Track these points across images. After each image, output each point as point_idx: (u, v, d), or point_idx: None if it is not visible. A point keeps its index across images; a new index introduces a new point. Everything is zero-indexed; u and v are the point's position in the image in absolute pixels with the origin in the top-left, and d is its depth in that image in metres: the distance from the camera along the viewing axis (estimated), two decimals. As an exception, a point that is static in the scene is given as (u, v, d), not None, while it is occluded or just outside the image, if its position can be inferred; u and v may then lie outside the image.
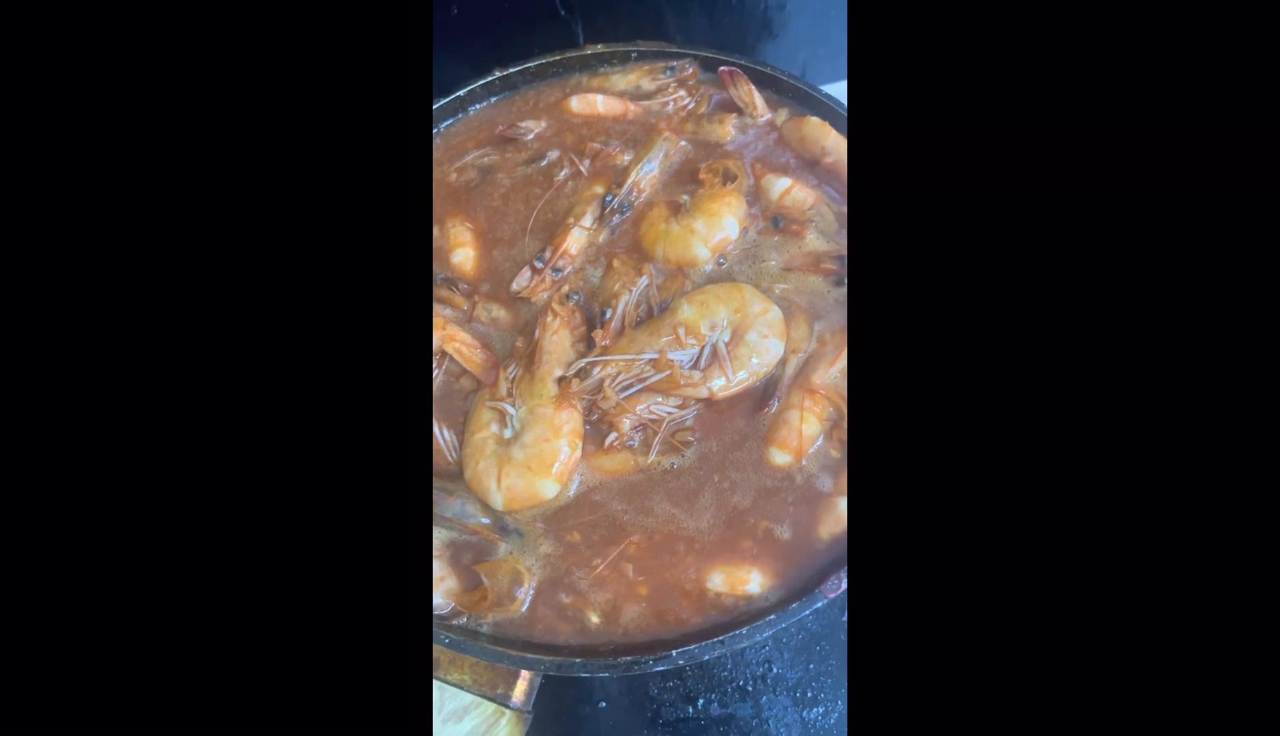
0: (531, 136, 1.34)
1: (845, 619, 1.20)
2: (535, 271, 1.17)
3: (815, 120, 1.25)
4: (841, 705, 1.18)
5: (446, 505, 1.01)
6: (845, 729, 1.16)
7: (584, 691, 1.20)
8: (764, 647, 1.22)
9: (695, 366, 1.06)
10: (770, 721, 1.18)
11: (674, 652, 0.89)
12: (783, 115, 1.30)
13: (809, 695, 1.19)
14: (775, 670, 1.21)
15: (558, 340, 1.09)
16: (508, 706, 0.96)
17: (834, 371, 1.07)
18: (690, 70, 1.36)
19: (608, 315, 1.09)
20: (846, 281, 1.13)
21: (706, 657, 0.90)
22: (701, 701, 1.19)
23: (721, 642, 0.89)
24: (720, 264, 1.18)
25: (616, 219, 1.23)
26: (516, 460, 1.02)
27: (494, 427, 1.05)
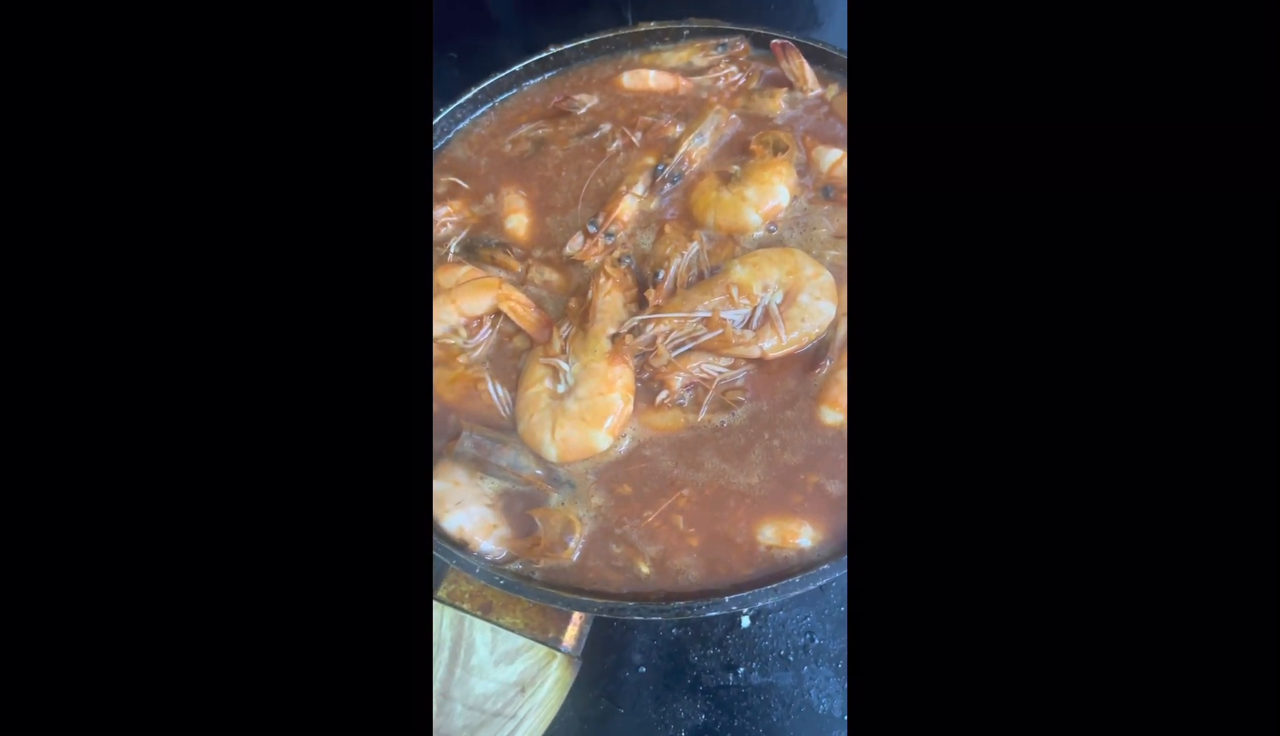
0: (584, 110, 1.36)
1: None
2: (588, 236, 1.19)
3: (866, 94, 1.26)
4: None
5: (500, 454, 1.03)
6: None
7: (624, 656, 1.20)
8: (806, 618, 1.21)
9: (747, 326, 1.07)
10: (812, 691, 1.17)
11: (727, 598, 0.90)
12: (833, 90, 1.32)
13: (852, 666, 1.18)
14: (817, 641, 1.20)
15: (610, 300, 1.11)
16: (558, 650, 0.96)
17: (885, 335, 1.07)
18: (742, 46, 1.38)
19: (660, 276, 1.11)
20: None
21: (760, 604, 0.90)
22: (742, 669, 1.19)
23: (775, 589, 0.89)
24: (771, 231, 1.19)
25: (668, 187, 1.25)
26: (571, 413, 1.03)
27: (547, 383, 1.07)
